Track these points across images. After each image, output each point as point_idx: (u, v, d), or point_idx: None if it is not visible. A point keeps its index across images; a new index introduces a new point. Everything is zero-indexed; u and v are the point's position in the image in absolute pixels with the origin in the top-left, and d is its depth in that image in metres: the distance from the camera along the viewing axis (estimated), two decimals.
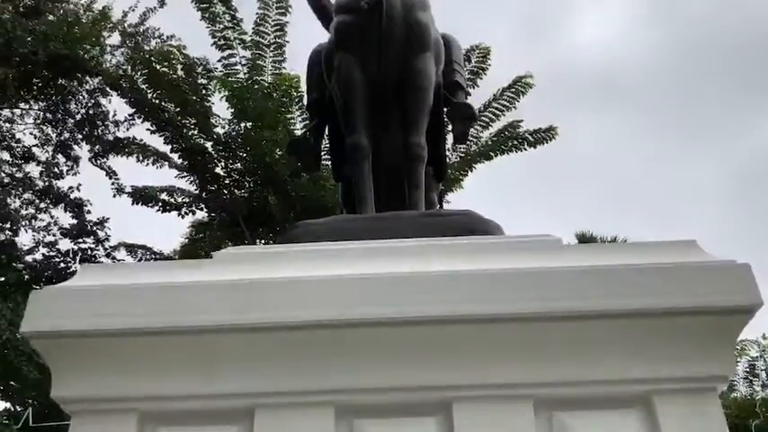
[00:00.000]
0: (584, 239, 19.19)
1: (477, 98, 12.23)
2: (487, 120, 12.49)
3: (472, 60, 11.88)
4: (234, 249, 2.15)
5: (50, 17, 10.26)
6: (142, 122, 11.05)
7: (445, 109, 4.43)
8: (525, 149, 12.65)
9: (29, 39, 9.22)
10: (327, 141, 4.72)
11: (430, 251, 2.00)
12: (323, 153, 5.24)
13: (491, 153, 12.61)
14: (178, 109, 10.72)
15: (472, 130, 12.52)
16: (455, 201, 12.99)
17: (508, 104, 12.45)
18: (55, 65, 9.93)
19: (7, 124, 10.81)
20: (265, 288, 1.71)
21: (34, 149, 10.85)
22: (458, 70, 4.41)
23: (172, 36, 10.80)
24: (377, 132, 3.93)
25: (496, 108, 12.46)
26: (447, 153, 11.31)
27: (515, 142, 12.56)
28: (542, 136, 12.49)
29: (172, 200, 11.81)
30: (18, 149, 10.72)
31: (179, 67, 10.45)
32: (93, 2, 10.77)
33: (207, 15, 10.42)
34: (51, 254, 10.73)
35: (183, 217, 11.73)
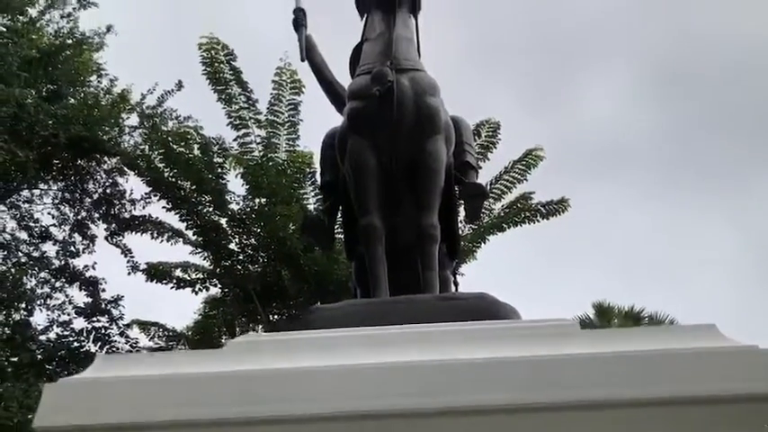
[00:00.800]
0: (602, 310, 18.97)
1: (488, 171, 12.37)
2: (499, 192, 12.57)
3: (482, 135, 12.05)
4: (247, 338, 2.15)
5: (71, 100, 10.56)
6: (158, 200, 11.21)
7: (457, 188, 4.51)
8: (538, 221, 12.67)
9: (50, 122, 9.47)
10: (340, 221, 4.78)
11: (446, 338, 1.98)
12: (336, 231, 5.31)
13: (504, 225, 12.62)
14: (194, 187, 10.88)
15: (484, 202, 12.64)
16: (469, 272, 12.95)
17: (519, 177, 12.54)
18: (75, 146, 10.17)
19: (26, 204, 11.01)
20: (279, 380, 1.69)
21: (52, 229, 11.02)
22: (468, 150, 4.50)
23: (189, 117, 11.09)
24: (390, 213, 3.98)
25: (508, 180, 12.56)
26: (460, 226, 11.36)
27: (528, 214, 12.58)
28: (554, 208, 12.52)
29: (186, 276, 11.86)
30: (36, 229, 10.87)
31: (195, 146, 10.69)
32: (113, 85, 11.09)
33: (223, 97, 10.72)
34: (65, 333, 10.72)
35: (196, 293, 11.76)
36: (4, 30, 9.08)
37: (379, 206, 3.90)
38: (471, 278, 13.72)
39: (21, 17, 9.82)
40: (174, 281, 11.66)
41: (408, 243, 3.94)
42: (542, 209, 12.53)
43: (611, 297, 18.70)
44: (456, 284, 5.11)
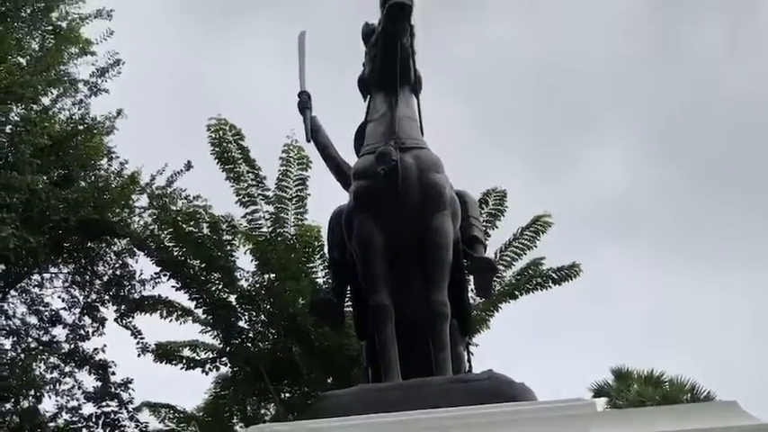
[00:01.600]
0: (620, 375, 18.55)
1: (497, 239, 12.36)
2: (509, 259, 12.54)
3: (490, 203, 12.10)
4: (262, 429, 2.10)
5: (82, 184, 10.70)
6: (168, 280, 11.21)
7: (465, 262, 4.50)
8: (550, 287, 12.58)
9: (61, 206, 9.57)
10: (350, 298, 4.77)
11: (461, 424, 1.93)
12: (346, 309, 5.27)
13: (516, 292, 12.53)
14: (203, 265, 10.91)
15: (494, 275, 12.59)
16: (483, 342, 12.78)
17: (529, 243, 12.53)
18: (85, 229, 10.25)
19: (37, 289, 11.02)
20: None
21: (62, 312, 10.99)
22: (475, 225, 4.53)
23: (198, 196, 11.18)
24: (398, 291, 3.98)
25: (517, 247, 12.54)
26: (471, 298, 11.29)
27: (539, 280, 12.51)
28: (566, 273, 12.44)
29: (195, 356, 11.75)
30: (46, 313, 10.86)
31: (204, 225, 10.77)
32: (123, 168, 11.27)
33: (231, 175, 10.87)
34: (74, 419, 10.54)
35: (206, 373, 11.63)
36: (18, 119, 9.29)
37: (388, 284, 3.90)
38: (485, 348, 13.52)
39: (34, 106, 10.07)
40: (184, 361, 11.56)
41: (419, 320, 3.92)
42: (554, 275, 12.46)
43: (629, 361, 18.28)
44: (469, 360, 5.05)
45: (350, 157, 5.01)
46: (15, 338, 10.53)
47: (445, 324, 3.81)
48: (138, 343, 10.98)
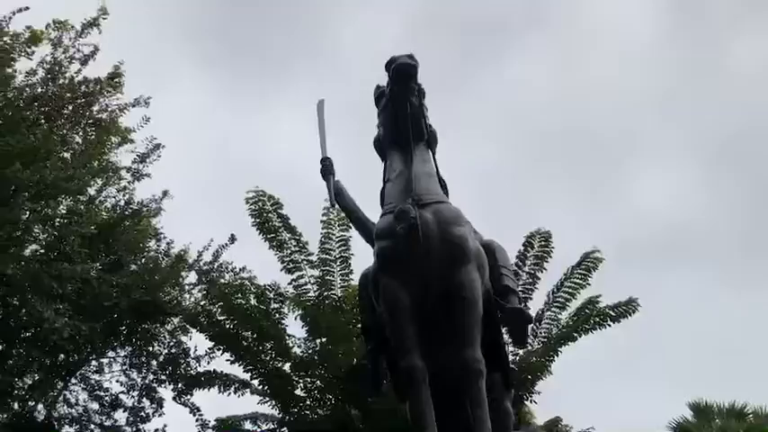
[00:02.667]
0: (699, 409, 17.64)
1: (547, 281, 12.11)
2: (563, 300, 12.25)
3: (535, 246, 11.92)
4: None
5: (132, 267, 10.97)
6: (221, 354, 11.29)
7: (499, 314, 4.39)
8: (609, 325, 12.19)
9: (113, 292, 9.81)
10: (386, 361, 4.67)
11: None
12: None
13: (574, 334, 12.18)
14: (255, 336, 10.98)
15: (549, 313, 12.30)
16: (546, 388, 12.40)
17: (581, 282, 12.24)
18: (138, 311, 10.46)
19: (96, 375, 11.22)
20: None
21: (121, 396, 11.14)
22: (506, 274, 4.43)
23: (243, 268, 11.36)
24: (431, 350, 3.88)
25: (570, 287, 12.25)
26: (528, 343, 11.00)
27: (597, 319, 12.15)
28: (624, 310, 12.07)
29: (256, 428, 11.72)
30: (106, 398, 11.01)
31: (251, 296, 10.88)
32: (170, 247, 11.54)
33: (274, 244, 11.01)
34: None
35: None
36: (65, 212, 9.63)
37: (418, 344, 3.82)
38: (549, 395, 13.13)
39: (81, 197, 10.46)
40: None
41: (453, 379, 3.81)
42: (611, 312, 12.10)
43: (706, 394, 17.39)
44: (517, 413, 4.88)
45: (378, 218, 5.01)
46: (78, 426, 10.68)
47: (480, 381, 3.69)
48: (197, 420, 11.01)
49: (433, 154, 4.68)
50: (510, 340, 4.89)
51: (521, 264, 11.89)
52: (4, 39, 8.96)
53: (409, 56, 4.25)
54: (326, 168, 5.08)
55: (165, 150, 11.36)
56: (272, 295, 11.06)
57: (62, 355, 10.23)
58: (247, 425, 11.77)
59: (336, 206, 5.08)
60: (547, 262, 11.92)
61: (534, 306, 12.12)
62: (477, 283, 3.92)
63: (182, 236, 12.17)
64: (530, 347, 12.03)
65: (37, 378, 10.03)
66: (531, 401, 12.56)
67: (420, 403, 3.70)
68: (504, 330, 4.68)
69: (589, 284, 12.26)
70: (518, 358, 11.96)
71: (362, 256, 11.06)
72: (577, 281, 12.27)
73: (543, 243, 11.91)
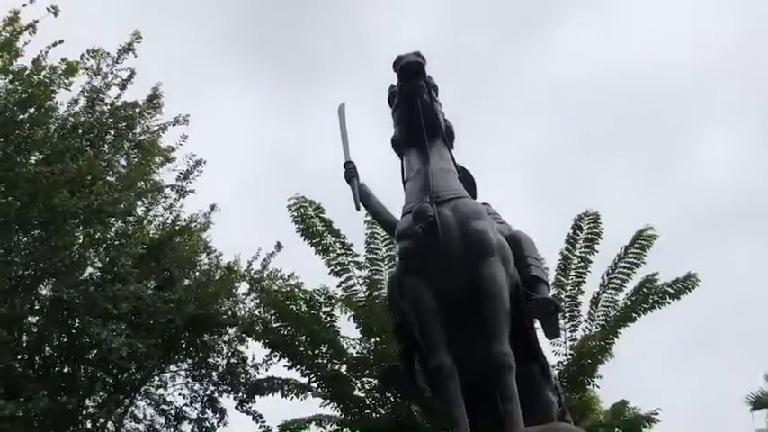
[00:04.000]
0: None
1: (600, 264, 11.83)
2: (619, 281, 11.97)
3: (584, 229, 11.67)
4: None
5: (186, 282, 11.23)
6: (278, 360, 11.47)
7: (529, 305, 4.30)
8: (669, 303, 11.85)
9: (168, 308, 10.05)
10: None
11: None
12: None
13: (633, 315, 11.89)
14: (309, 340, 11.09)
15: (605, 295, 12.04)
16: (607, 372, 12.13)
17: (636, 261, 11.94)
18: (193, 325, 10.71)
19: (160, 389, 11.54)
20: None
21: (185, 408, 11.42)
22: (533, 264, 4.35)
23: (291, 274, 11.54)
24: (460, 347, 3.84)
25: (625, 267, 11.97)
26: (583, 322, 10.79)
27: (656, 298, 11.83)
28: (682, 286, 11.73)
29: (321, 429, 11.85)
30: (171, 411, 11.31)
31: (301, 302, 11.02)
32: (218, 261, 11.78)
33: (320, 248, 11.11)
34: None
35: None
36: (113, 235, 9.91)
37: (446, 342, 3.79)
38: (612, 378, 12.87)
39: (130, 218, 10.77)
40: None
41: (484, 374, 3.76)
42: (669, 289, 11.78)
43: None
44: (560, 403, 4.77)
45: None
46: None
47: (509, 374, 3.64)
48: (260, 427, 11.19)
49: (451, 148, 4.63)
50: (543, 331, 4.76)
51: (570, 248, 11.68)
52: (43, 73, 9.26)
53: (416, 53, 4.22)
54: (349, 172, 5.07)
55: (212, 159, 11.62)
56: (321, 299, 11.15)
57: (125, 373, 10.51)
58: (312, 427, 11.94)
59: (362, 209, 5.05)
60: (597, 244, 11.66)
61: (588, 290, 11.91)
62: (501, 275, 3.85)
63: (232, 246, 12.37)
64: (587, 332, 11.83)
65: (104, 396, 10.35)
66: (593, 386, 12.33)
67: (450, 400, 3.70)
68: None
69: (644, 263, 11.96)
70: (575, 344, 11.78)
71: None
72: (632, 260, 11.98)
73: (592, 225, 11.65)
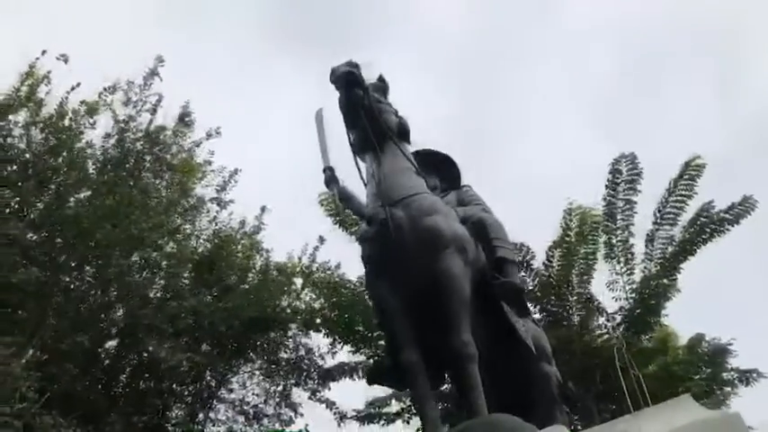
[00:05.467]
0: None
1: (646, 204, 11.48)
2: (672, 216, 11.61)
3: (623, 172, 11.36)
4: None
5: (244, 286, 11.66)
6: (342, 347, 11.84)
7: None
8: (728, 230, 11.41)
9: (226, 315, 10.51)
10: None
11: None
12: None
13: (693, 248, 11.52)
14: (364, 323, 11.39)
15: (660, 232, 11.68)
16: (674, 308, 11.84)
17: (687, 192, 11.53)
18: (256, 327, 11.15)
19: (240, 391, 12.08)
20: None
21: (261, 405, 11.92)
22: (500, 245, 4.35)
23: (338, 265, 11.86)
24: (435, 339, 3.91)
25: (676, 201, 11.58)
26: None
27: (714, 226, 11.40)
28: (740, 210, 11.26)
29: (401, 404, 12.17)
30: (250, 410, 11.85)
31: (345, 291, 11.33)
32: (268, 260, 12.17)
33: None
34: None
35: (408, 423, 11.98)
36: (163, 256, 10.39)
37: (413, 339, 3.87)
38: (681, 312, 12.55)
39: (178, 235, 11.26)
40: (383, 417, 12.07)
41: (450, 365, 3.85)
42: (727, 215, 11.32)
43: None
44: (565, 387, 4.78)
45: None
46: None
47: (470, 364, 3.68)
48: (334, 414, 11.58)
49: (407, 143, 4.66)
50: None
51: (613, 192, 11.39)
52: (67, 117, 9.73)
53: (348, 63, 4.26)
54: (328, 178, 5.17)
55: (246, 161, 11.95)
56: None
57: (198, 384, 11.10)
58: (393, 403, 12.31)
59: (347, 211, 5.16)
60: (639, 184, 11.30)
61: (640, 231, 11.60)
62: (456, 267, 3.87)
63: (284, 243, 12.80)
64: (646, 272, 11.55)
65: (183, 408, 11.00)
66: (660, 326, 12.08)
67: (419, 397, 3.82)
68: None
69: (696, 193, 11.53)
70: (635, 286, 11.54)
71: None
72: (683, 192, 11.58)
73: (631, 166, 11.31)
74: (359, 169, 4.59)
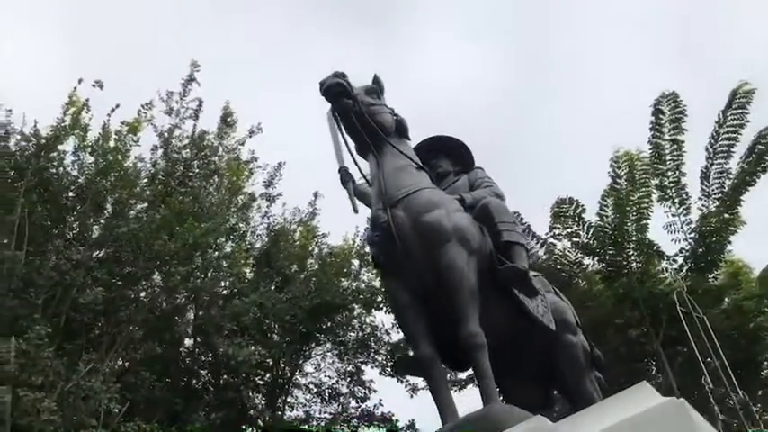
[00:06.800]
0: None
1: (697, 141, 11.11)
2: (725, 148, 11.20)
3: (666, 112, 11.01)
4: None
5: (302, 275, 12.05)
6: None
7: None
8: None
9: (288, 306, 10.92)
10: None
11: None
12: None
13: (753, 178, 11.11)
14: None
15: (715, 167, 11.29)
16: (745, 240, 11.49)
17: (739, 122, 11.08)
18: (319, 312, 11.52)
19: (315, 374, 12.60)
20: None
21: (335, 386, 12.38)
22: (505, 230, 4.40)
23: None
24: (448, 331, 4.04)
25: (728, 132, 11.16)
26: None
27: None
28: None
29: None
30: (326, 391, 12.32)
31: None
32: (322, 245, 12.52)
33: None
34: None
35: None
36: (215, 259, 10.82)
37: (427, 334, 4.01)
38: (754, 244, 12.15)
39: (234, 234, 11.70)
40: (456, 384, 12.27)
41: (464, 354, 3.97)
42: None
43: None
44: (592, 354, 4.81)
45: None
46: (307, 419, 12.03)
47: (480, 354, 3.79)
48: (405, 387, 11.87)
49: (407, 140, 4.74)
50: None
51: (658, 134, 11.06)
52: (111, 138, 10.19)
53: (334, 74, 4.36)
54: (343, 177, 5.28)
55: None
56: None
57: (270, 373, 11.60)
58: None
59: (358, 213, 5.27)
60: (684, 122, 10.93)
61: (692, 169, 11.26)
62: (459, 259, 3.95)
63: (339, 227, 13.07)
64: (704, 210, 11.23)
65: (260, 398, 11.56)
66: (727, 263, 11.77)
67: (435, 388, 3.98)
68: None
69: (748, 122, 11.08)
70: (693, 225, 11.26)
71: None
72: (734, 122, 11.14)
73: (673, 105, 10.94)
74: (361, 173, 4.71)
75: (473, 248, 4.10)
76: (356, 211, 5.01)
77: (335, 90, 4.32)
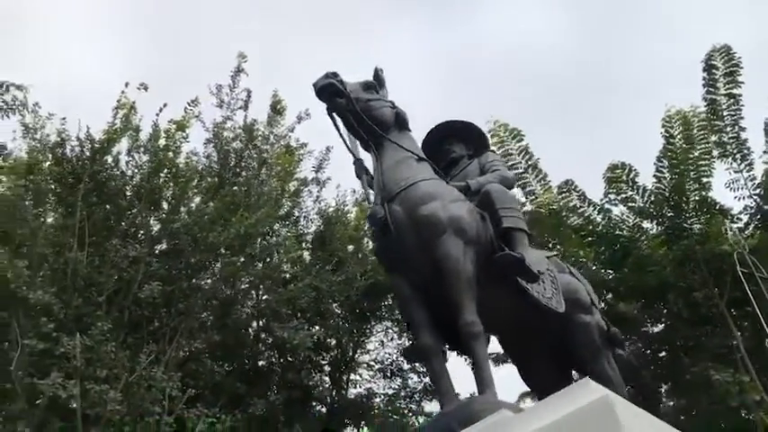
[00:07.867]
0: None
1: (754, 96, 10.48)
2: None
3: (719, 66, 10.46)
4: None
5: (358, 254, 12.24)
6: None
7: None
8: None
9: (342, 288, 11.18)
10: None
11: None
12: None
13: None
14: None
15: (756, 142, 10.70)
16: None
17: None
18: (374, 291, 11.69)
19: (378, 351, 12.83)
20: None
21: (397, 363, 12.54)
22: (506, 215, 4.40)
23: None
24: (450, 322, 4.08)
25: None
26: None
27: None
28: None
29: None
30: (389, 368, 12.52)
31: None
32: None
33: None
34: None
35: None
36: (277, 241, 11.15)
37: (428, 324, 4.07)
38: None
39: (288, 220, 12.00)
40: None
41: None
42: None
43: None
44: (608, 332, 4.75)
45: None
46: (368, 396, 12.26)
47: (477, 343, 3.82)
48: (466, 361, 11.89)
49: (408, 131, 4.74)
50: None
51: (713, 89, 10.52)
52: (162, 137, 10.58)
53: (326, 75, 4.40)
54: (358, 170, 5.35)
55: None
56: None
57: (331, 354, 11.92)
58: None
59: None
60: (740, 75, 10.35)
61: (753, 123, 10.68)
62: (455, 249, 3.96)
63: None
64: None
65: (322, 379, 11.92)
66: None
67: (435, 376, 4.08)
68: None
69: None
70: (757, 181, 10.73)
71: None
72: None
73: (727, 58, 10.36)
74: (365, 172, 4.77)
75: (470, 238, 4.10)
76: (370, 202, 5.07)
77: (328, 91, 4.38)
